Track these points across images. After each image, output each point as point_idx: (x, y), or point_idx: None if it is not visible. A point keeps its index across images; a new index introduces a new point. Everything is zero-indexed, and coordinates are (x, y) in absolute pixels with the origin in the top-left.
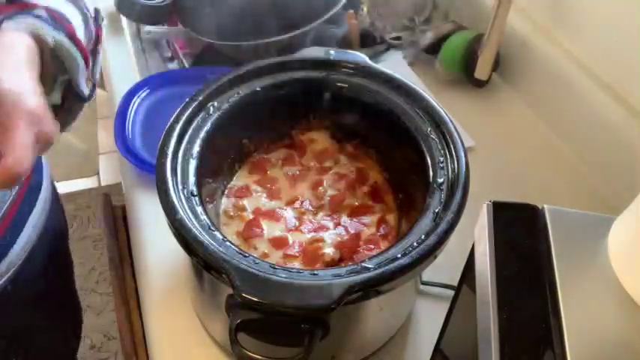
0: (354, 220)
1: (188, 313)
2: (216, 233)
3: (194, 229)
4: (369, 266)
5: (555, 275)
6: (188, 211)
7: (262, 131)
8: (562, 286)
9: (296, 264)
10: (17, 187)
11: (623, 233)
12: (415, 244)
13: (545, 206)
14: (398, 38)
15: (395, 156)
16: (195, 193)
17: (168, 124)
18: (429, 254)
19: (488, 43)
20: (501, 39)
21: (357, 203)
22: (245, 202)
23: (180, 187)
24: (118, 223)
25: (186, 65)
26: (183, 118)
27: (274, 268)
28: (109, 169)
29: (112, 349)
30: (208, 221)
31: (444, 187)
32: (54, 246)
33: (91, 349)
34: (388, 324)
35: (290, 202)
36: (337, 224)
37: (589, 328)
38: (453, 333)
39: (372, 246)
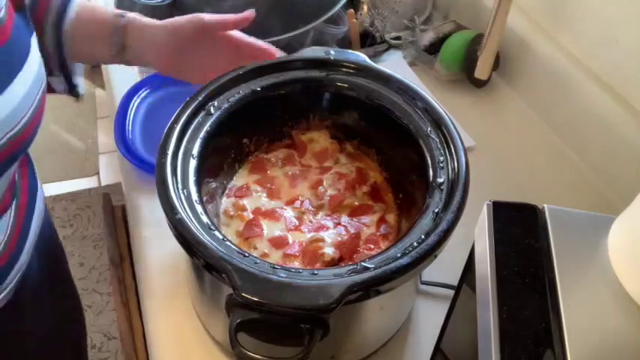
0: (354, 219)
1: (188, 313)
2: (216, 233)
3: (194, 229)
4: (369, 266)
5: (555, 275)
6: (188, 210)
7: (262, 131)
8: (562, 285)
9: (296, 263)
10: (18, 197)
11: (623, 233)
12: (415, 243)
13: (545, 206)
14: (398, 38)
15: (395, 156)
16: (195, 192)
17: (169, 124)
18: (429, 254)
19: (488, 43)
20: (501, 39)
21: (357, 203)
22: (245, 201)
23: (180, 186)
24: (118, 223)
25: None
26: (184, 118)
27: (274, 268)
28: (109, 169)
29: (112, 349)
30: (208, 221)
31: (444, 187)
32: (49, 246)
33: (91, 349)
34: (388, 324)
35: (290, 202)
36: (337, 224)
37: (589, 327)
38: (453, 333)
39: (372, 246)
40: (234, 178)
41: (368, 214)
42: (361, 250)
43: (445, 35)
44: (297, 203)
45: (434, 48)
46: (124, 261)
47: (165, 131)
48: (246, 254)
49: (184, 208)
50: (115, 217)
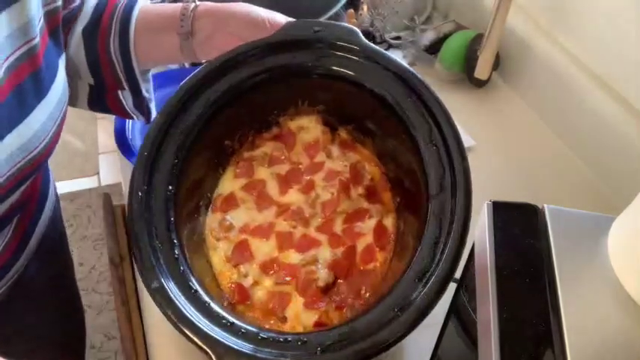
0: (349, 229)
1: None
2: (200, 294)
3: (174, 299)
4: (359, 329)
5: (555, 275)
6: (168, 273)
7: (246, 124)
8: (562, 285)
9: (288, 288)
10: (24, 205)
11: (623, 233)
12: (399, 312)
13: (545, 206)
14: (398, 38)
15: (392, 146)
16: (174, 237)
17: (137, 156)
18: (419, 321)
19: (488, 43)
20: (501, 39)
21: (351, 210)
22: (232, 216)
23: (156, 233)
24: (118, 223)
25: (186, 65)
26: (154, 145)
27: (260, 339)
28: (109, 169)
29: (112, 349)
30: (192, 280)
31: (445, 185)
32: (53, 250)
33: (91, 349)
34: None
35: (280, 214)
36: (331, 236)
37: (589, 327)
38: (453, 333)
39: (369, 264)
40: (219, 185)
41: (364, 220)
42: (357, 264)
43: (445, 35)
44: (288, 214)
45: (434, 48)
46: (124, 261)
47: (135, 165)
48: (231, 321)
49: (162, 268)
50: (115, 217)
